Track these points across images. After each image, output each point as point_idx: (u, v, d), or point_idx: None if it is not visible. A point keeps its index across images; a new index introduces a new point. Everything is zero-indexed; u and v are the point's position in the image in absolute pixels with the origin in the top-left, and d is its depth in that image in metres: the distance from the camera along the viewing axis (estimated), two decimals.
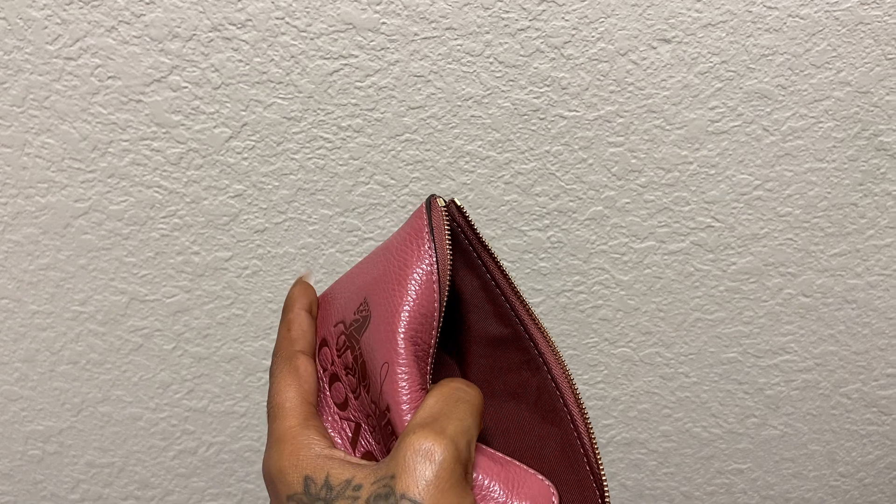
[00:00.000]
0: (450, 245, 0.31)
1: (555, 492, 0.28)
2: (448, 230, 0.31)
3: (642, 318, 0.72)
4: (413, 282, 0.31)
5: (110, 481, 0.77)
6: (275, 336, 0.71)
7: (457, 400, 0.28)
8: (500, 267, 0.33)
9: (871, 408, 0.78)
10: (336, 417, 0.33)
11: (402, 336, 0.30)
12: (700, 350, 0.74)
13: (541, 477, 0.28)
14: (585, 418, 0.31)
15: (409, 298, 0.31)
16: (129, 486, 0.78)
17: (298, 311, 0.35)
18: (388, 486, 0.26)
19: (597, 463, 0.30)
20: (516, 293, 0.33)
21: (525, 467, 0.29)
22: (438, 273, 0.31)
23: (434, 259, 0.31)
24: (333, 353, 0.34)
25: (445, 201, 0.32)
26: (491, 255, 0.33)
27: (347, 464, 0.28)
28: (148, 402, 0.73)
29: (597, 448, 0.30)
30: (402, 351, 0.30)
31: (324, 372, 0.34)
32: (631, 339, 0.73)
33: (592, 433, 0.31)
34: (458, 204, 0.33)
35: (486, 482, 0.28)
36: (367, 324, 0.32)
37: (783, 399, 0.77)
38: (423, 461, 0.26)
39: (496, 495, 0.28)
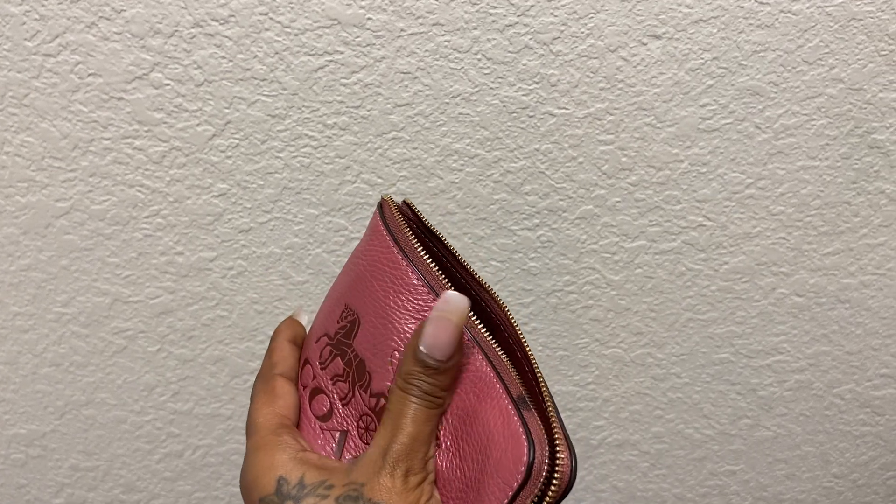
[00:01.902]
0: (408, 229, 0.34)
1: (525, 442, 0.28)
2: (402, 220, 0.34)
3: (633, 318, 0.71)
4: (387, 272, 0.33)
5: (95, 485, 0.76)
6: (261, 338, 0.70)
7: (408, 410, 0.30)
8: (451, 251, 0.35)
9: (865, 408, 0.78)
10: (318, 430, 0.34)
11: (401, 321, 0.32)
12: (692, 350, 0.73)
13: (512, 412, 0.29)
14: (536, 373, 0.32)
15: (391, 287, 0.33)
16: (114, 489, 0.77)
17: (281, 341, 0.36)
18: (357, 491, 0.29)
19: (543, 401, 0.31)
20: (466, 269, 0.35)
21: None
22: (404, 253, 0.33)
23: (395, 244, 0.33)
24: (316, 369, 0.35)
25: (396, 200, 0.35)
26: (442, 242, 0.35)
27: (321, 468, 0.30)
28: (132, 405, 0.72)
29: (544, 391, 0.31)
30: (409, 330, 0.32)
31: (304, 389, 0.35)
32: (622, 339, 0.72)
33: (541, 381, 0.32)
34: (409, 202, 0.36)
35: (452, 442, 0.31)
36: (356, 327, 0.34)
37: (776, 400, 0.76)
38: (387, 473, 0.29)
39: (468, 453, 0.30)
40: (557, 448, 0.28)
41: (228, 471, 0.77)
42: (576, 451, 0.30)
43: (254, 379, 0.71)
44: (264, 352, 0.70)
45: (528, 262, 0.67)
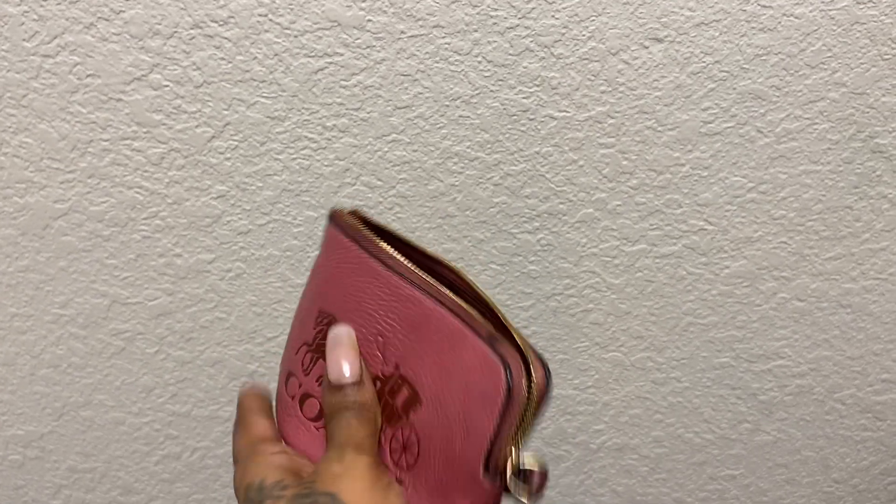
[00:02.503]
0: (363, 226, 0.37)
1: (496, 361, 0.31)
2: (356, 221, 0.38)
3: (634, 322, 0.71)
4: (354, 269, 0.36)
5: (93, 487, 0.76)
6: (259, 340, 0.69)
7: (346, 425, 0.33)
8: (406, 241, 0.37)
9: (866, 413, 0.77)
10: (313, 430, 0.37)
11: (378, 309, 0.35)
12: (692, 355, 0.73)
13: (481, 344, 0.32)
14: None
15: (361, 280, 0.36)
16: (111, 491, 0.76)
17: (255, 416, 0.38)
18: (309, 487, 0.31)
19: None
20: (425, 253, 0.37)
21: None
22: (365, 248, 0.36)
23: (355, 242, 0.36)
24: (301, 377, 0.37)
25: (346, 210, 0.38)
26: (394, 235, 0.38)
27: (283, 468, 0.33)
28: (131, 407, 0.72)
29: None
30: (387, 314, 0.35)
31: (293, 399, 0.38)
32: (622, 343, 0.72)
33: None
34: (357, 210, 0.38)
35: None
36: (335, 325, 0.36)
37: (776, 404, 0.76)
38: (336, 459, 0.32)
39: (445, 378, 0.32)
40: (531, 366, 0.31)
41: (226, 473, 0.77)
42: (550, 368, 0.31)
43: (250, 379, 0.71)
44: (262, 354, 0.70)
45: (527, 266, 0.67)
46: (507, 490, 0.31)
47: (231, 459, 0.77)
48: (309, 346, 0.37)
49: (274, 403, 0.40)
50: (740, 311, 0.71)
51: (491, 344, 0.31)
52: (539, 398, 0.31)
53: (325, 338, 0.36)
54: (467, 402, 0.31)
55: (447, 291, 0.34)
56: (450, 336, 0.32)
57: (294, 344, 0.39)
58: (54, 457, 0.74)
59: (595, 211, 0.65)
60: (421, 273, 0.34)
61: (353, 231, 0.37)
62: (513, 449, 0.30)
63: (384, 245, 0.36)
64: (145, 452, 0.74)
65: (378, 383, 0.35)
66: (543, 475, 0.30)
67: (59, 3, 0.55)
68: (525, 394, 0.30)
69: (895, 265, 0.70)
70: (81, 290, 0.66)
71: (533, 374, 0.30)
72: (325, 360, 0.35)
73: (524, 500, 0.30)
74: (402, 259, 0.35)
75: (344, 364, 0.34)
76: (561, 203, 0.64)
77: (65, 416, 0.72)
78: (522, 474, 0.30)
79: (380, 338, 0.35)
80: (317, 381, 0.36)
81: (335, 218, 0.38)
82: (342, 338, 0.34)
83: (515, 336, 0.31)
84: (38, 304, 0.67)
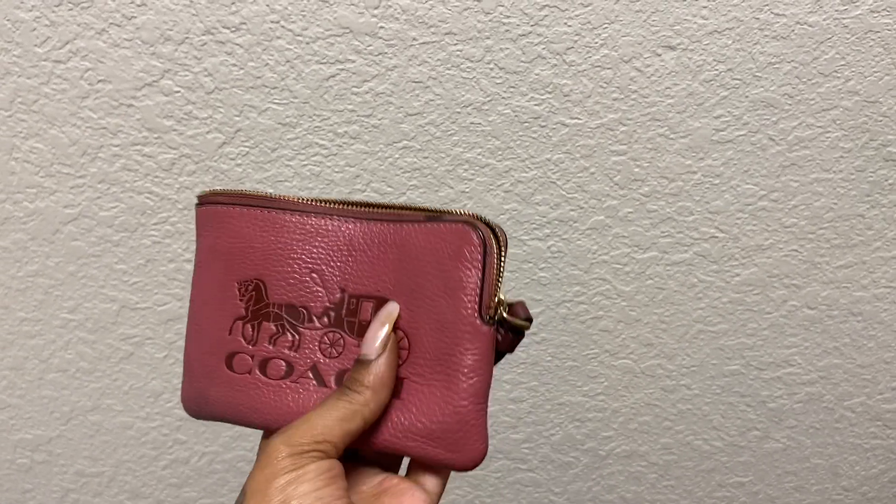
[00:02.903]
0: (240, 192, 0.39)
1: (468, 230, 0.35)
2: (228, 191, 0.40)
3: (644, 329, 0.70)
4: (260, 227, 0.38)
5: (100, 491, 0.76)
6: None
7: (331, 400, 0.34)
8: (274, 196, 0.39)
9: (876, 421, 0.77)
10: (288, 387, 0.38)
11: (298, 250, 0.38)
12: (702, 362, 0.73)
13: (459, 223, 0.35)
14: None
15: (272, 234, 0.38)
16: (119, 495, 0.76)
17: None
18: (242, 490, 0.33)
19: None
20: (296, 200, 0.39)
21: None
22: (255, 205, 0.38)
23: (245, 206, 0.38)
24: (248, 350, 0.38)
25: (207, 192, 0.40)
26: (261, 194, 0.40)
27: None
28: (139, 411, 0.72)
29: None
30: (308, 250, 0.38)
31: (250, 373, 0.38)
32: (632, 350, 0.72)
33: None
34: (216, 189, 0.40)
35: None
36: (264, 288, 0.38)
37: (786, 412, 0.76)
38: (257, 467, 0.33)
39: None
40: (482, 221, 0.35)
41: (234, 478, 0.77)
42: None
43: None
44: None
45: (538, 273, 0.67)
46: (503, 327, 0.35)
47: (238, 465, 0.77)
48: (244, 318, 0.38)
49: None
50: (751, 319, 0.70)
51: (439, 220, 0.35)
52: (504, 243, 0.35)
53: (257, 301, 0.38)
54: (441, 274, 0.35)
55: (364, 208, 0.37)
56: (395, 234, 0.36)
57: (217, 331, 0.39)
58: (62, 461, 0.74)
59: (606, 218, 0.65)
60: (327, 202, 0.38)
61: (240, 198, 0.38)
62: (497, 292, 0.35)
63: (281, 196, 0.38)
64: (153, 457, 0.74)
65: (332, 313, 0.37)
66: (523, 304, 0.35)
67: (70, 9, 0.55)
68: (494, 242, 0.34)
69: None
70: (90, 295, 0.66)
71: (491, 225, 0.35)
72: (267, 320, 0.37)
73: (526, 327, 0.35)
74: (304, 199, 0.38)
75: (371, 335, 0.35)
76: (572, 210, 0.64)
77: (73, 421, 0.72)
78: (511, 310, 0.35)
79: (313, 275, 0.37)
80: (269, 342, 0.38)
81: (209, 197, 0.39)
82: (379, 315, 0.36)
83: (446, 211, 0.36)
84: (47, 308, 0.67)
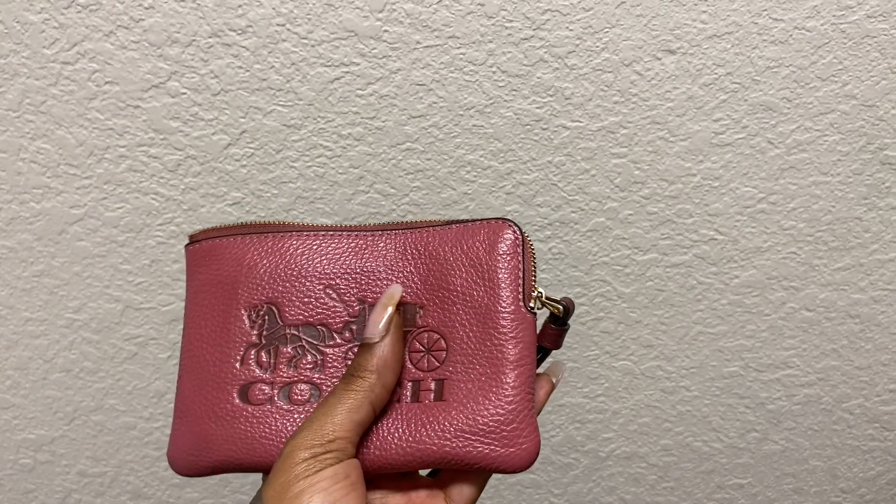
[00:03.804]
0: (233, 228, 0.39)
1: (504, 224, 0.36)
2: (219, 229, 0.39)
3: (644, 330, 0.71)
4: (260, 255, 0.37)
5: (102, 491, 0.76)
6: None
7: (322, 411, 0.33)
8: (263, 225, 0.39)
9: (874, 423, 0.78)
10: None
11: (312, 268, 0.37)
12: (702, 364, 0.73)
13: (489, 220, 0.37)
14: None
15: (279, 259, 0.37)
16: (121, 496, 0.77)
17: None
18: (259, 496, 0.32)
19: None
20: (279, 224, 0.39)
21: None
22: (254, 234, 0.38)
23: (243, 236, 0.38)
24: (265, 377, 0.36)
25: (191, 238, 0.39)
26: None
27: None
28: (142, 412, 0.72)
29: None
30: (321, 268, 0.37)
31: (270, 402, 0.36)
32: (632, 352, 0.72)
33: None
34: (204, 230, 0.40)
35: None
36: (276, 311, 0.36)
37: (785, 414, 0.76)
38: (274, 473, 0.32)
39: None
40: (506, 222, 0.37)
41: (236, 478, 0.77)
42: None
43: None
44: None
45: (539, 274, 0.67)
46: (552, 323, 0.36)
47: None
48: (257, 344, 0.36)
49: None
50: (749, 321, 0.71)
51: (464, 222, 0.36)
52: (529, 242, 0.37)
53: (271, 326, 0.36)
54: (476, 269, 0.35)
55: (368, 227, 0.38)
56: (415, 240, 0.37)
57: (223, 363, 0.36)
58: (65, 461, 0.74)
59: (607, 220, 0.66)
60: (330, 227, 0.38)
61: (237, 229, 0.38)
62: (535, 283, 0.36)
63: (281, 223, 0.38)
64: (156, 457, 0.75)
65: (354, 327, 0.36)
66: (568, 298, 0.37)
67: (79, 12, 0.56)
68: (526, 238, 0.36)
69: None
70: (95, 295, 0.67)
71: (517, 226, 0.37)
72: (284, 344, 0.36)
73: (570, 309, 0.36)
74: (304, 224, 0.38)
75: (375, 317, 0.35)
76: (573, 212, 0.65)
77: (76, 421, 0.72)
78: (550, 299, 0.36)
79: (329, 290, 0.36)
80: (287, 366, 0.36)
81: (202, 234, 0.38)
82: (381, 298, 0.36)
83: (462, 219, 0.37)
84: (52, 308, 0.67)
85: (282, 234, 0.37)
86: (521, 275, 0.35)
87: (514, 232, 0.35)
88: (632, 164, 0.63)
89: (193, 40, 0.57)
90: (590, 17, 0.58)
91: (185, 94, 0.59)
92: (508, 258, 0.35)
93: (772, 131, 0.63)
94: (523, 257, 0.35)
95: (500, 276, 0.35)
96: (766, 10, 0.58)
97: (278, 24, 0.57)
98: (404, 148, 0.62)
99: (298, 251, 0.37)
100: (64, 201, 0.62)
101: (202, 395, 0.36)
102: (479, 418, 0.33)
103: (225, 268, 0.37)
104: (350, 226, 0.38)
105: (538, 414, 0.36)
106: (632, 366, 0.73)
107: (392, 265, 0.36)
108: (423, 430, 0.33)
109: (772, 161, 0.64)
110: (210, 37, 0.57)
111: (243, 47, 0.58)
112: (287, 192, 0.63)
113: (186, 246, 0.39)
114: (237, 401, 0.35)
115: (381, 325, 0.34)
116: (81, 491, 0.76)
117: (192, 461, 0.36)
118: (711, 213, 0.66)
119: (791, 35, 0.59)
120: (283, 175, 0.62)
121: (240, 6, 0.56)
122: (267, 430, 0.35)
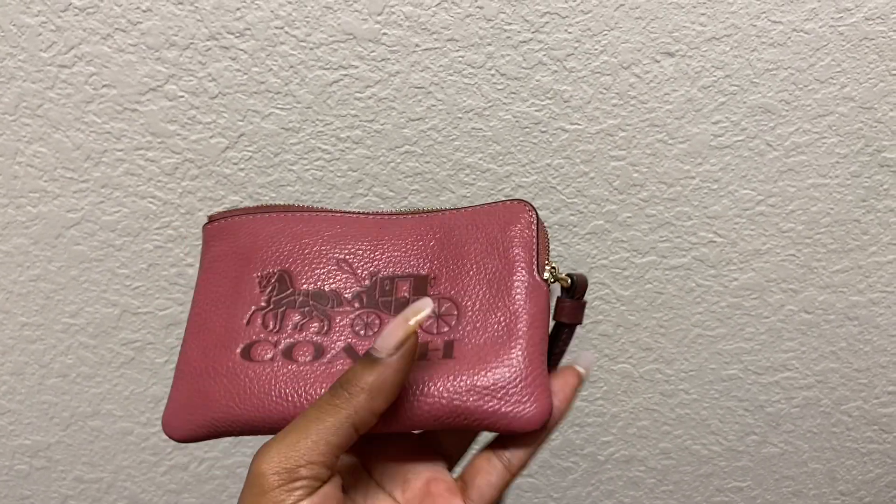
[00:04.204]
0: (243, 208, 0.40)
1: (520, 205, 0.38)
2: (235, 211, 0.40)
3: (643, 333, 0.71)
4: (277, 229, 0.38)
5: (99, 497, 0.76)
6: None
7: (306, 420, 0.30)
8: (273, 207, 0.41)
9: (872, 426, 0.78)
10: (319, 369, 0.35)
11: (322, 243, 0.38)
12: (700, 367, 0.73)
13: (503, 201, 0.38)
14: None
15: (293, 230, 0.38)
16: (118, 501, 0.76)
17: None
18: None
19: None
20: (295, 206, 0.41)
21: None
22: (272, 212, 0.39)
23: (264, 213, 0.39)
24: (270, 337, 0.36)
25: (210, 217, 0.40)
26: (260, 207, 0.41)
27: None
28: (139, 417, 0.72)
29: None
30: (333, 243, 0.38)
31: (272, 360, 0.35)
32: (631, 355, 0.72)
33: None
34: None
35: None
36: (288, 277, 0.37)
37: (784, 416, 0.76)
38: (244, 493, 0.30)
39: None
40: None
41: (233, 483, 0.76)
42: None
43: None
44: None
45: None
46: (566, 295, 0.36)
47: (238, 471, 0.77)
48: (265, 308, 0.36)
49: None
50: (748, 324, 0.71)
51: (478, 206, 0.38)
52: (544, 224, 0.38)
53: (281, 291, 0.37)
54: (491, 241, 0.37)
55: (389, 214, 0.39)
56: (435, 220, 0.38)
57: (230, 324, 0.36)
58: (61, 467, 0.74)
59: (605, 223, 0.65)
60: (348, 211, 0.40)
61: (258, 209, 0.39)
62: (548, 259, 0.36)
63: (302, 206, 0.40)
64: (153, 463, 0.74)
65: (365, 297, 0.37)
66: (581, 275, 0.37)
67: (76, 14, 0.56)
68: (541, 219, 0.38)
69: None
70: (92, 300, 0.66)
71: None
72: (293, 308, 0.36)
73: (577, 282, 0.36)
74: (323, 208, 0.40)
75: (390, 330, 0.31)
76: (572, 215, 0.65)
77: (72, 426, 0.72)
78: (563, 273, 0.36)
79: (342, 264, 0.37)
80: (294, 329, 0.36)
81: (223, 214, 0.39)
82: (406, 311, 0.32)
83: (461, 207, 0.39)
84: (49, 313, 0.67)
85: (306, 213, 0.39)
86: (535, 248, 0.36)
87: (530, 212, 0.37)
88: (630, 167, 0.63)
89: (191, 43, 0.57)
90: (588, 20, 0.58)
91: (182, 97, 0.59)
92: (523, 233, 0.37)
93: (770, 133, 0.63)
94: (538, 234, 0.37)
95: (514, 249, 0.36)
96: (764, 12, 0.58)
97: (276, 27, 0.57)
98: (403, 151, 0.62)
99: (319, 225, 0.38)
100: (61, 205, 0.62)
101: (205, 355, 0.36)
102: (488, 374, 0.33)
103: (241, 239, 0.38)
104: (374, 211, 0.39)
105: (567, 411, 0.36)
106: (630, 369, 0.73)
107: (411, 244, 0.38)
108: (431, 383, 0.33)
109: (770, 163, 0.64)
110: (208, 40, 0.57)
111: (241, 50, 0.57)
112: (285, 196, 0.63)
113: (204, 226, 0.40)
114: (237, 357, 0.35)
115: (394, 342, 0.30)
116: (78, 497, 0.76)
117: (188, 420, 0.35)
118: (710, 215, 0.66)
119: (789, 37, 0.59)
120: (282, 178, 0.62)
121: (238, 9, 0.56)
122: (267, 386, 0.34)
